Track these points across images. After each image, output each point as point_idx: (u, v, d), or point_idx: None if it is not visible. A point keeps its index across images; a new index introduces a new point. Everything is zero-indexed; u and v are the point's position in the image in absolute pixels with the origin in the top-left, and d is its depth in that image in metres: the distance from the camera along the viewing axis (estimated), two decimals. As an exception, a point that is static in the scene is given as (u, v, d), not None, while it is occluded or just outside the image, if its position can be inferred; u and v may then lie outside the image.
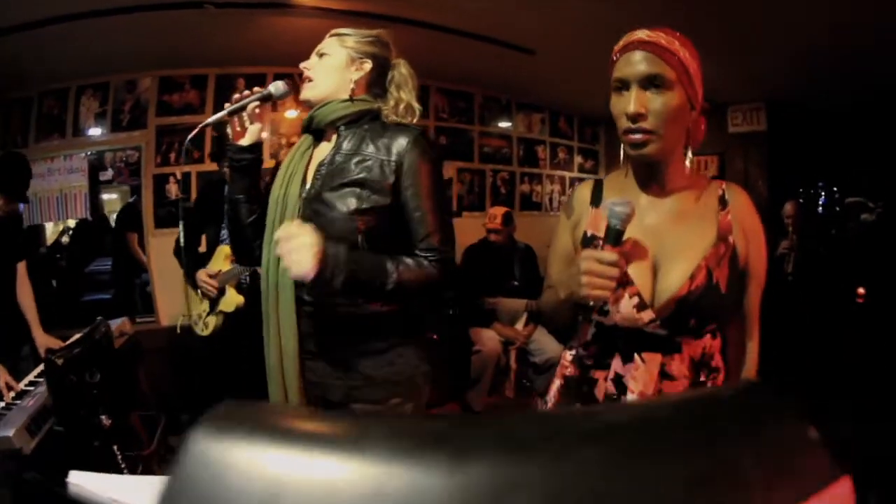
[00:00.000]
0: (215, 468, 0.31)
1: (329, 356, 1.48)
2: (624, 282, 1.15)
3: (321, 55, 1.53)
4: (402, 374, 1.50)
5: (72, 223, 5.27)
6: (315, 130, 1.56)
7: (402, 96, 1.57)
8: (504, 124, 5.87)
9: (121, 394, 2.40)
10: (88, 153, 4.55)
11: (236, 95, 1.51)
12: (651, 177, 1.21)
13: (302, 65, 1.54)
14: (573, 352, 1.32)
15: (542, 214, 6.21)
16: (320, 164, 1.50)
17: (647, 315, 1.16)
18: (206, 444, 0.32)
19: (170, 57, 4.25)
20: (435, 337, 4.44)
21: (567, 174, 6.47)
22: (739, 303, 1.22)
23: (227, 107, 1.49)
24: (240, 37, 3.91)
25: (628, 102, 1.09)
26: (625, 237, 1.13)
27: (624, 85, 1.11)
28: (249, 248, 1.57)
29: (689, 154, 1.19)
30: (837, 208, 5.76)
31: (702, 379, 1.19)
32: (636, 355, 1.19)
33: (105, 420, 2.13)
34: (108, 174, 4.59)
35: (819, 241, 4.19)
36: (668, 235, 1.19)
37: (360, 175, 1.43)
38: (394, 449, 0.31)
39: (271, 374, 1.51)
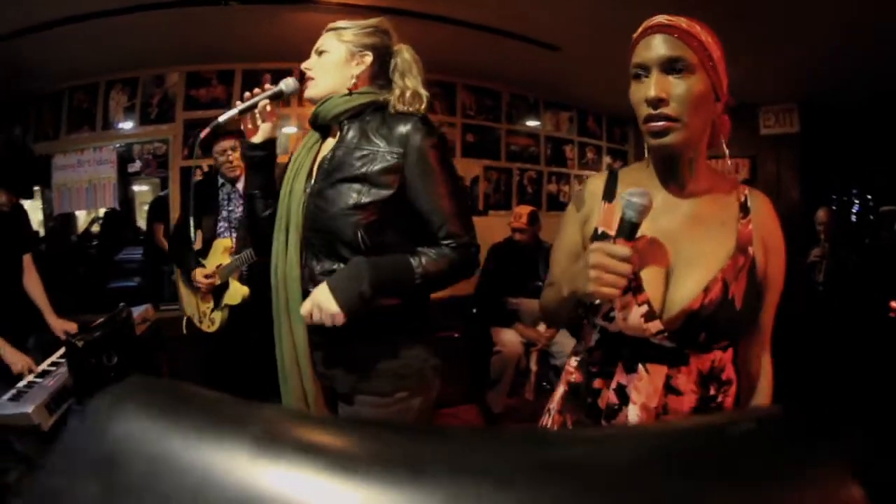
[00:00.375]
0: (102, 438, 0.31)
1: (337, 349, 1.47)
2: (634, 287, 1.07)
3: (320, 53, 1.51)
4: (409, 367, 1.46)
5: (102, 213, 5.38)
6: (321, 126, 1.55)
7: (408, 84, 1.52)
8: (532, 123, 5.80)
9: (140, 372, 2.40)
10: (117, 145, 4.67)
11: (247, 94, 1.51)
12: (671, 173, 1.11)
13: (303, 65, 1.52)
14: (578, 357, 1.25)
15: (569, 215, 6.15)
16: (323, 160, 1.49)
17: (655, 326, 1.07)
18: (99, 413, 0.32)
19: (197, 53, 4.34)
20: (456, 335, 4.45)
21: (596, 174, 6.32)
22: (755, 319, 1.13)
23: (239, 105, 1.49)
24: (265, 32, 3.95)
25: (648, 88, 1.01)
26: (639, 234, 1.04)
27: (644, 70, 1.03)
28: (267, 241, 1.56)
29: (726, 151, 1.12)
30: (871, 217, 5.55)
31: (711, 393, 1.11)
32: (640, 366, 1.10)
33: None
34: (136, 166, 4.71)
35: (852, 251, 4.01)
36: (684, 240, 1.10)
37: (361, 169, 1.40)
38: (274, 437, 0.31)
39: (287, 371, 1.51)
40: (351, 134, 1.46)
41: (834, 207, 4.27)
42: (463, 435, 0.36)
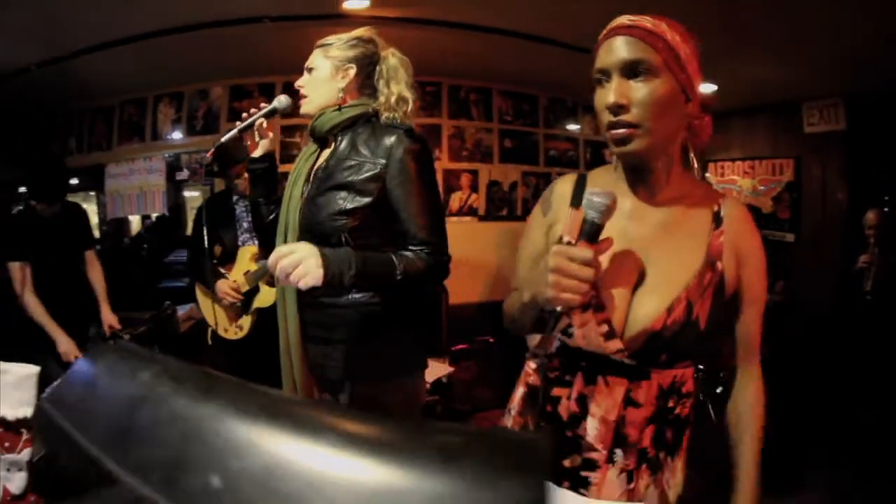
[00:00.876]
0: (92, 367, 0.64)
1: (331, 339, 1.58)
2: (595, 304, 1.02)
3: (310, 70, 1.61)
4: (400, 353, 1.61)
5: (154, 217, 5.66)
6: (318, 138, 1.65)
7: (393, 89, 1.59)
8: (571, 126, 5.74)
9: None
10: (166, 155, 4.93)
11: (244, 114, 1.64)
12: (640, 180, 1.06)
13: (296, 83, 1.62)
14: (537, 360, 1.21)
15: (609, 220, 6.06)
16: (318, 169, 1.60)
17: (615, 345, 1.03)
18: (98, 355, 0.65)
19: (239, 67, 4.49)
20: (491, 340, 4.46)
21: (636, 178, 6.25)
22: (720, 336, 1.12)
23: (238, 125, 1.63)
24: (302, 47, 4.02)
25: (608, 93, 0.96)
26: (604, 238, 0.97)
27: (605, 75, 0.98)
28: (273, 243, 1.67)
29: (695, 164, 1.10)
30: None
31: (670, 405, 1.08)
32: (600, 378, 1.07)
33: None
34: (184, 174, 4.96)
35: (903, 256, 3.83)
36: (650, 252, 1.05)
37: (348, 178, 1.50)
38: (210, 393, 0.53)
39: (282, 357, 1.64)
40: (343, 145, 1.57)
41: (885, 209, 4.04)
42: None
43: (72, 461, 0.52)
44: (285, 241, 1.58)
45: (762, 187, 5.37)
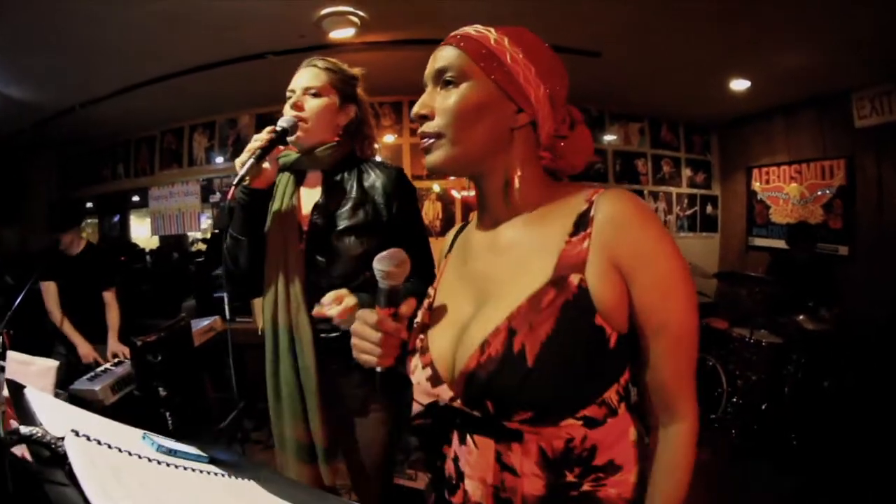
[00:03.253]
0: None
1: (348, 372, 1.51)
2: (421, 347, 0.94)
3: (314, 94, 1.51)
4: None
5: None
6: (296, 171, 1.57)
7: (366, 132, 1.61)
8: (610, 137, 5.51)
9: (183, 374, 3.01)
10: (201, 179, 5.46)
11: (255, 143, 1.42)
12: (485, 201, 0.94)
13: (298, 105, 1.49)
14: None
15: (644, 236, 5.66)
16: (315, 209, 1.51)
17: (445, 392, 0.89)
18: None
19: (264, 97, 4.77)
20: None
21: (674, 189, 5.83)
22: (579, 379, 0.82)
23: (253, 152, 1.40)
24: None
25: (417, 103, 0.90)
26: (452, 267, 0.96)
27: (425, 88, 0.91)
28: (248, 288, 1.57)
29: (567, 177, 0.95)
30: None
31: (570, 479, 0.84)
32: (469, 437, 0.92)
33: (161, 391, 2.72)
34: (216, 197, 5.43)
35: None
36: (488, 283, 0.90)
37: (359, 220, 1.49)
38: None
39: (287, 400, 1.52)
40: (337, 184, 1.53)
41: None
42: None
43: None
44: (287, 289, 1.49)
45: (810, 194, 4.75)
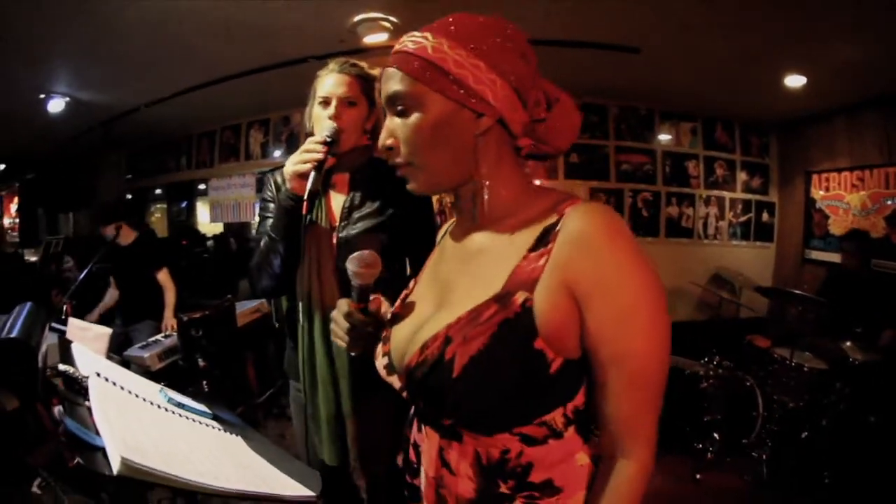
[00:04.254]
0: None
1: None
2: (384, 336, 0.98)
3: (351, 104, 1.54)
4: None
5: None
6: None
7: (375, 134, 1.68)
8: (659, 137, 5.34)
9: (225, 350, 3.38)
10: (256, 172, 5.81)
11: (316, 155, 1.44)
12: (459, 207, 0.93)
13: (335, 116, 1.52)
14: None
15: (692, 242, 5.42)
16: (346, 209, 1.57)
17: (396, 382, 0.92)
18: None
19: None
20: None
21: (728, 194, 5.56)
22: (502, 397, 0.79)
23: (314, 164, 1.44)
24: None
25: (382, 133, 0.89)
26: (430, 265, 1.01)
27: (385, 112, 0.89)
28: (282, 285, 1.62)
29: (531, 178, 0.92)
30: None
31: (502, 490, 0.83)
32: (423, 426, 0.95)
33: (201, 362, 3.09)
34: None
35: None
36: (449, 284, 0.91)
37: (383, 219, 1.56)
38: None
39: (322, 386, 1.57)
40: (367, 184, 1.59)
41: None
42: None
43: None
44: (318, 275, 1.54)
45: (873, 205, 4.41)
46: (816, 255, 5.10)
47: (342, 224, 1.56)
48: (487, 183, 0.86)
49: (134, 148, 6.63)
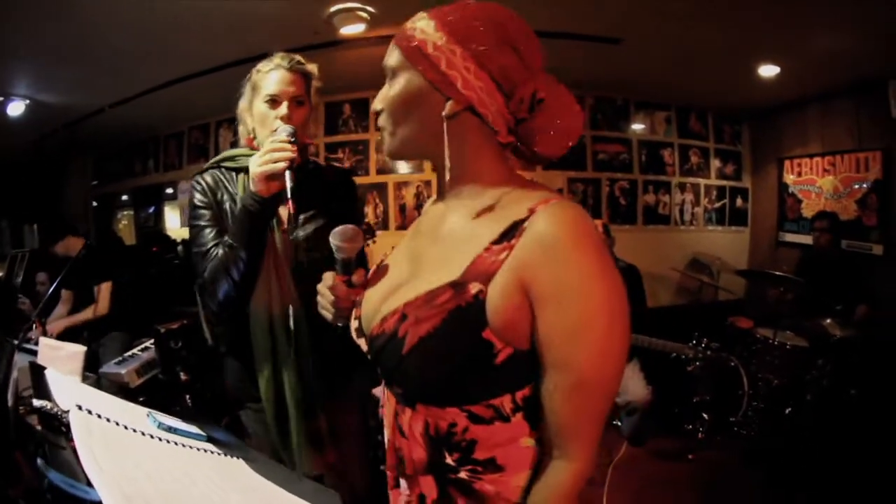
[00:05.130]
0: None
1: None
2: (357, 301, 1.03)
3: (300, 103, 1.54)
4: None
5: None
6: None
7: (314, 131, 1.67)
8: (635, 126, 5.42)
9: (203, 360, 3.16)
10: None
11: (288, 154, 1.38)
12: (441, 185, 0.95)
13: (287, 116, 1.48)
14: None
15: (669, 229, 5.51)
16: (292, 212, 1.50)
17: (363, 345, 0.98)
18: None
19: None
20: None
21: (702, 181, 5.67)
22: (446, 378, 0.82)
23: (288, 163, 1.38)
24: (333, 70, 4.32)
25: None
26: (387, 259, 1.04)
27: None
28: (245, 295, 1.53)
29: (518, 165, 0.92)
30: None
31: (448, 462, 0.87)
32: (385, 388, 0.97)
33: (182, 376, 2.94)
34: None
35: None
36: (418, 261, 0.93)
37: (327, 219, 1.55)
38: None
39: (290, 393, 1.54)
40: (307, 185, 1.54)
41: None
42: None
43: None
44: (277, 279, 1.52)
45: (844, 188, 4.58)
46: (790, 237, 5.26)
47: (291, 227, 1.50)
48: (449, 165, 0.87)
49: (100, 152, 6.44)
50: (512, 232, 0.79)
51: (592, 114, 5.22)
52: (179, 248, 5.85)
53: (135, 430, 0.78)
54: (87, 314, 3.54)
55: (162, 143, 5.92)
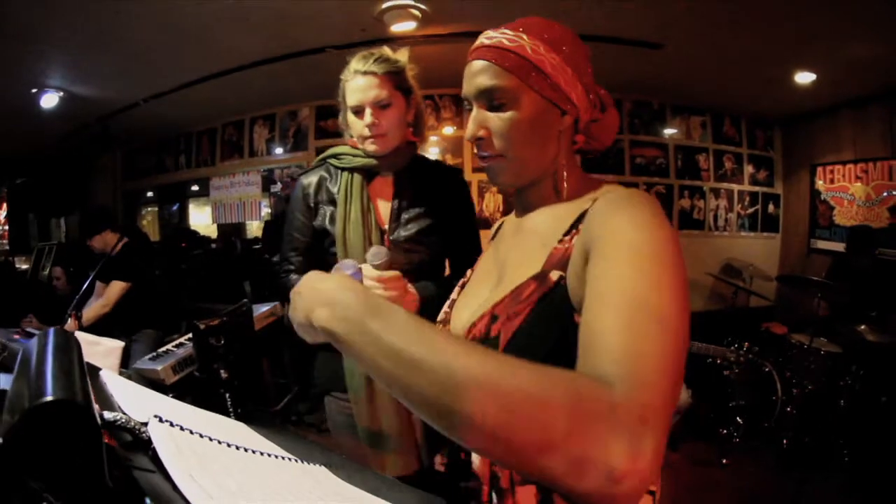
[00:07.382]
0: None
1: None
2: (444, 319, 1.09)
3: (385, 106, 1.53)
4: None
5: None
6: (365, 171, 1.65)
7: (423, 123, 1.68)
8: (666, 131, 5.64)
9: (243, 358, 3.30)
10: (262, 170, 5.87)
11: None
12: (520, 196, 1.04)
13: (372, 125, 1.52)
14: None
15: (704, 234, 5.78)
16: (394, 211, 1.62)
17: None
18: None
19: (323, 88, 5.06)
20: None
21: (735, 187, 5.93)
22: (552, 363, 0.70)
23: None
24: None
25: (469, 125, 0.95)
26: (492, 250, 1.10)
27: (468, 103, 0.95)
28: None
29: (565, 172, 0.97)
30: None
31: None
32: None
33: (223, 373, 2.96)
34: (277, 186, 5.84)
35: None
36: (504, 265, 1.00)
37: (432, 221, 1.62)
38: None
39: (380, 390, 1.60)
40: (412, 186, 1.65)
41: None
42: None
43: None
44: None
45: (877, 196, 4.80)
46: (822, 244, 5.46)
47: (392, 226, 1.60)
48: (565, 174, 0.96)
49: (130, 147, 6.66)
50: (580, 220, 0.86)
51: (630, 118, 5.45)
52: (213, 244, 6.09)
53: (220, 443, 0.69)
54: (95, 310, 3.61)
55: (195, 139, 6.13)
